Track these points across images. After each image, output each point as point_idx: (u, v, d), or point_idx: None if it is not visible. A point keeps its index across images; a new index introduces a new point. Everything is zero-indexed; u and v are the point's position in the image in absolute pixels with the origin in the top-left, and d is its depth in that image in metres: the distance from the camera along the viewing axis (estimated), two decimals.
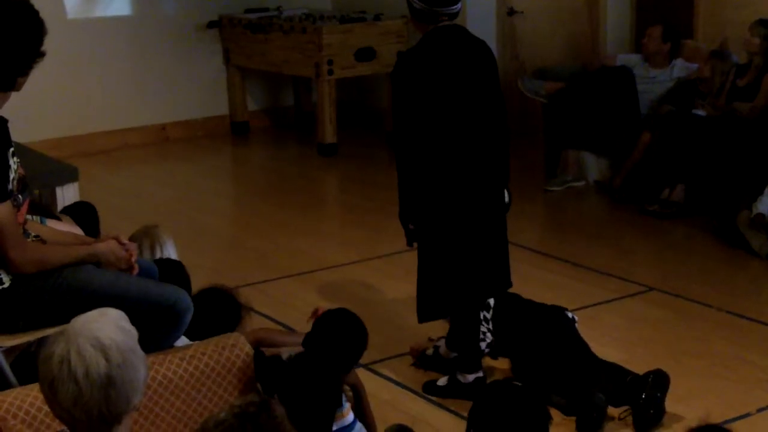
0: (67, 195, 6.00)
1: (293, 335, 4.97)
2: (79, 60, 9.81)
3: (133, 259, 3.99)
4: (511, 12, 9.91)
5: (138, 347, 2.66)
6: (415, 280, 5.08)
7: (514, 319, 5.11)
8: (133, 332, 2.68)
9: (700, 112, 7.88)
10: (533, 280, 6.25)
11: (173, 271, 4.53)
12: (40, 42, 3.76)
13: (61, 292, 3.72)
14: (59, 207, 5.66)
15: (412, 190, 4.86)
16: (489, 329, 5.04)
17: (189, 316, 3.86)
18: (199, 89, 10.60)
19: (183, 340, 4.04)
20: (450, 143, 4.79)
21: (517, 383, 3.96)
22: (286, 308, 6.06)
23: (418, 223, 4.92)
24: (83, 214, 5.22)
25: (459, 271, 4.91)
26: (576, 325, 5.15)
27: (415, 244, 5.04)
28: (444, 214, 4.86)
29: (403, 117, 4.80)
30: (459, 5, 4.87)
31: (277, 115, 11.13)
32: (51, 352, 2.61)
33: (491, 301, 5.12)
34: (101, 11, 9.98)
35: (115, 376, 2.57)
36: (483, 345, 5.02)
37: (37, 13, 3.78)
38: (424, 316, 5.06)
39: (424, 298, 5.02)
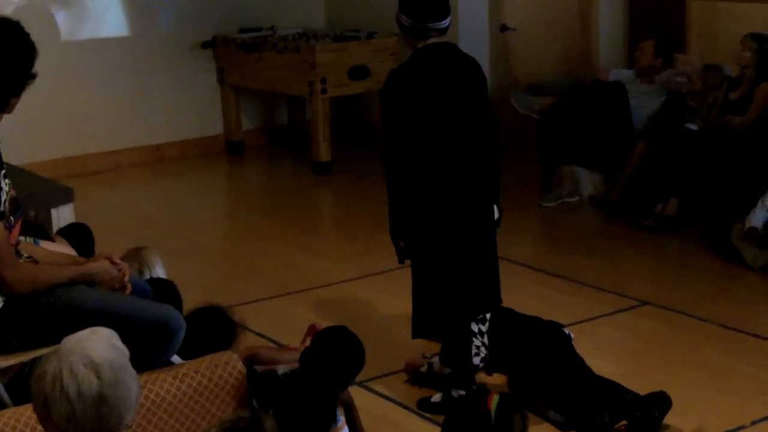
0: (62, 216, 6.00)
1: (287, 352, 4.98)
2: (73, 81, 9.84)
3: (126, 279, 4.00)
4: (504, 29, 9.94)
5: (129, 365, 2.68)
6: (410, 295, 5.10)
7: (511, 334, 5.12)
8: (125, 350, 2.70)
9: (693, 126, 7.91)
10: (528, 295, 6.26)
11: (165, 291, 4.54)
12: (32, 64, 3.79)
13: (55, 312, 3.74)
14: (54, 228, 5.67)
15: (402, 207, 4.88)
16: (484, 343, 5.04)
17: (181, 335, 3.88)
18: (193, 109, 10.62)
19: (176, 359, 4.05)
20: (439, 160, 4.81)
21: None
22: (280, 326, 6.06)
23: (409, 240, 4.94)
24: (78, 235, 5.24)
25: (450, 287, 4.93)
26: (572, 342, 5.16)
27: (407, 261, 5.06)
28: (434, 230, 4.88)
29: (393, 134, 4.82)
30: (448, 20, 4.90)
31: (272, 133, 11.15)
32: (43, 371, 2.63)
33: (487, 315, 5.13)
34: (95, 33, 9.99)
35: (107, 394, 2.59)
36: (477, 360, 5.02)
37: (28, 35, 3.81)
38: (418, 332, 5.08)
39: (419, 314, 5.04)
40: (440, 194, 4.84)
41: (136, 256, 5.06)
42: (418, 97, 4.79)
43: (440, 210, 4.85)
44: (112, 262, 4.02)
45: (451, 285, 4.93)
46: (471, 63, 4.99)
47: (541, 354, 5.04)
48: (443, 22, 4.89)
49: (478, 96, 4.95)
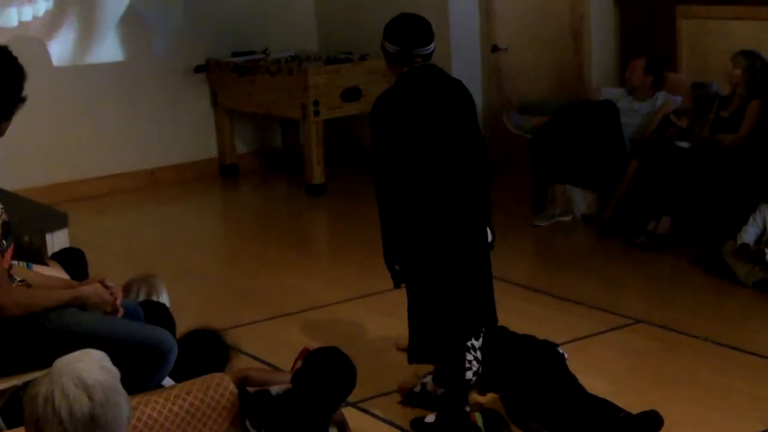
0: (57, 241, 6.01)
1: (279, 374, 4.99)
2: (67, 107, 9.87)
3: (118, 302, 4.02)
4: (495, 49, 9.99)
5: (120, 386, 2.69)
6: (403, 316, 5.11)
7: (505, 353, 5.12)
8: (116, 372, 2.72)
9: (684, 144, 7.93)
10: (521, 314, 6.26)
11: (158, 314, 4.55)
12: (21, 87, 3.82)
13: (47, 335, 3.76)
14: (49, 253, 5.68)
15: (395, 231, 4.89)
16: (477, 358, 5.04)
17: (173, 357, 3.90)
18: (187, 133, 10.65)
19: (168, 382, 4.06)
20: (430, 183, 4.83)
21: None
22: (274, 348, 6.06)
23: (403, 263, 4.95)
24: (72, 259, 5.25)
25: (445, 309, 4.94)
26: (566, 361, 5.18)
27: (403, 285, 5.07)
28: (429, 253, 4.89)
29: (383, 159, 4.84)
30: (432, 46, 4.93)
31: (266, 156, 11.17)
32: (35, 393, 2.65)
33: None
34: (88, 58, 10.02)
35: (98, 415, 2.60)
36: (470, 374, 5.01)
37: (15, 59, 3.84)
38: (415, 357, 5.08)
39: (416, 338, 5.04)
40: (433, 216, 4.85)
41: (144, 282, 5.08)
42: (406, 120, 4.81)
43: (434, 232, 4.86)
44: (105, 286, 4.04)
45: (447, 307, 4.94)
46: (457, 85, 5.02)
47: (534, 373, 5.05)
48: (428, 47, 4.92)
49: (466, 117, 4.97)
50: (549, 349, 5.20)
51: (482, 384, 5.16)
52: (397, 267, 4.99)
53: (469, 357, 5.03)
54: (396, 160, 4.81)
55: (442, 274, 4.91)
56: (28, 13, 9.64)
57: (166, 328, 4.04)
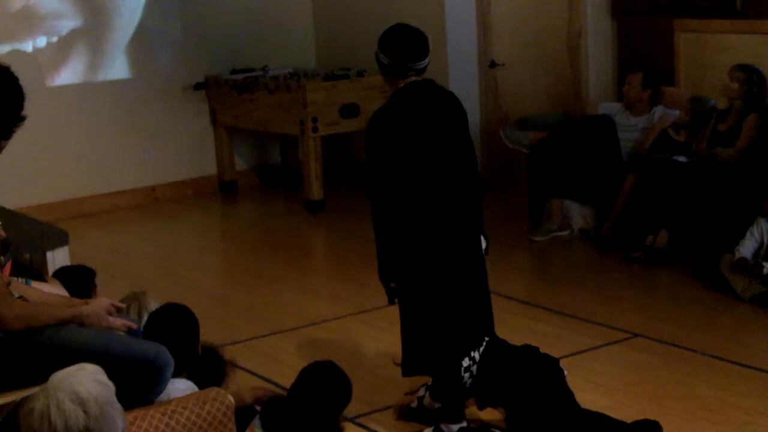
0: (57, 258, 6.04)
1: (276, 392, 5.00)
2: (68, 125, 9.91)
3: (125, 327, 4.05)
4: (493, 65, 10.02)
5: (115, 400, 2.72)
6: (399, 331, 5.12)
7: (505, 367, 5.11)
8: (111, 386, 2.74)
9: (682, 158, 7.95)
10: (518, 329, 6.28)
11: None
12: (21, 107, 3.85)
13: (44, 350, 3.77)
14: (50, 270, 5.70)
15: (391, 247, 4.89)
16: (471, 371, 5.03)
17: (169, 372, 3.92)
18: (187, 150, 10.68)
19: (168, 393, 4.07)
20: (426, 197, 4.84)
21: None
22: (273, 364, 6.08)
23: (399, 279, 4.95)
24: (75, 277, 5.27)
25: (443, 324, 4.95)
26: (565, 378, 5.18)
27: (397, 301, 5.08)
28: (425, 268, 4.90)
29: (378, 175, 4.85)
30: (426, 60, 4.93)
31: (265, 172, 11.21)
32: (31, 408, 2.67)
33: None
34: (88, 76, 10.06)
35: (93, 429, 2.63)
36: (466, 375, 5.01)
37: (16, 79, 3.87)
38: (409, 370, 5.09)
39: (409, 352, 5.05)
40: (428, 231, 4.86)
41: (134, 299, 5.09)
42: (401, 138, 4.82)
43: (430, 247, 4.87)
44: (113, 306, 4.07)
45: (445, 321, 4.94)
46: (451, 98, 5.03)
47: (534, 388, 5.04)
48: (422, 62, 4.92)
49: (460, 130, 4.99)
50: (550, 364, 5.20)
51: (481, 398, 5.15)
52: (392, 284, 4.99)
53: (466, 364, 5.01)
54: (392, 177, 4.81)
55: (440, 287, 4.91)
56: (42, 41, 9.71)
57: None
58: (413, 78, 4.90)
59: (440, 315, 4.94)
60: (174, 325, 4.52)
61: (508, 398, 5.07)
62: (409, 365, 5.07)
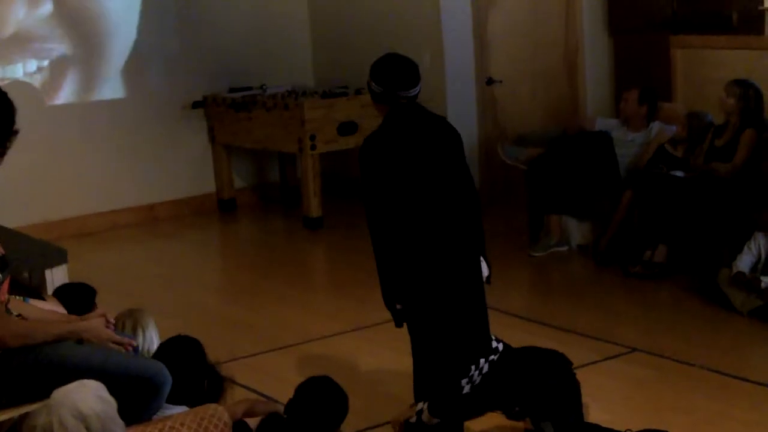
0: (56, 277, 6.05)
1: (273, 405, 5.00)
2: (66, 144, 9.93)
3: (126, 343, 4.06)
4: (490, 81, 10.05)
5: (117, 416, 2.73)
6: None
7: (513, 367, 5.09)
8: (112, 402, 2.76)
9: (679, 173, 7.97)
10: (517, 345, 6.19)
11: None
12: (12, 121, 3.85)
13: (42, 368, 3.78)
14: (49, 289, 5.71)
15: (393, 270, 4.90)
16: (473, 381, 5.02)
17: (167, 389, 3.92)
18: (185, 168, 10.70)
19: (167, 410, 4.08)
20: (425, 220, 4.85)
21: None
22: (273, 381, 6.08)
23: (405, 302, 4.95)
24: (76, 295, 5.28)
25: (446, 342, 4.95)
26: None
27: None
28: (428, 289, 4.90)
29: (376, 201, 4.86)
30: (418, 88, 4.95)
31: (264, 190, 11.23)
32: (34, 425, 2.69)
33: (500, 346, 5.14)
34: (87, 95, 10.08)
35: None
36: (464, 382, 5.01)
37: (5, 93, 3.87)
38: (421, 395, 5.09)
39: (421, 376, 5.05)
40: (431, 252, 4.86)
41: (130, 316, 5.09)
42: (396, 162, 4.83)
43: (431, 266, 4.87)
44: (107, 321, 4.07)
45: (448, 339, 4.95)
46: (442, 122, 5.07)
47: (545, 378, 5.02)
48: (413, 90, 4.94)
49: (454, 153, 5.01)
50: (554, 355, 5.21)
51: (481, 404, 5.12)
52: (398, 306, 4.99)
53: (471, 372, 5.00)
54: (390, 201, 4.82)
55: (444, 307, 4.92)
56: (32, 65, 9.73)
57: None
58: (403, 103, 4.93)
59: (444, 333, 4.94)
60: (183, 358, 4.54)
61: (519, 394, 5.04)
62: (421, 389, 5.07)
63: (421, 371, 5.05)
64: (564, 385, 4.95)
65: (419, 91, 4.97)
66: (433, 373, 5.01)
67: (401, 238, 4.85)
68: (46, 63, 9.79)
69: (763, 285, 6.88)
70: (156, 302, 7.13)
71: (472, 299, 5.02)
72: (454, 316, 4.95)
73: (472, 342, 5.04)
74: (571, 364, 5.17)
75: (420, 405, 5.27)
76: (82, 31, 9.90)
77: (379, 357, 6.41)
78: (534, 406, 4.93)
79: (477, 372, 5.05)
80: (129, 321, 5.03)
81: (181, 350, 4.60)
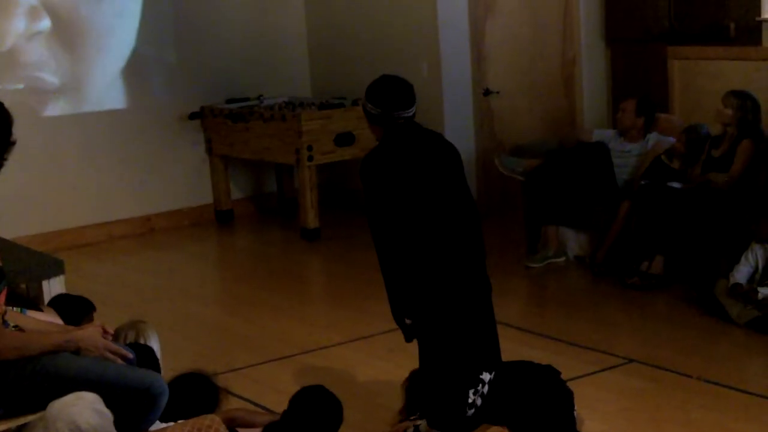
0: (53, 288, 6.03)
1: (267, 415, 5.01)
2: (63, 155, 9.93)
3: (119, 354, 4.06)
4: (487, 92, 10.07)
5: (113, 429, 2.73)
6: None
7: (507, 383, 5.10)
8: (109, 415, 2.76)
9: (676, 184, 7.97)
10: (514, 356, 6.21)
11: (143, 356, 4.57)
12: (9, 132, 3.86)
13: (39, 379, 3.77)
14: (46, 300, 5.70)
15: (401, 286, 4.89)
16: (482, 393, 5.01)
17: (164, 400, 3.92)
18: (183, 179, 10.70)
19: (158, 425, 4.08)
20: (431, 235, 4.85)
21: None
22: (269, 392, 6.07)
23: (414, 316, 4.95)
24: (74, 306, 5.28)
25: (457, 355, 4.94)
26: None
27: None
28: (438, 302, 4.90)
29: (381, 219, 4.85)
30: (413, 109, 4.97)
31: (261, 201, 11.23)
32: None
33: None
34: (84, 107, 10.09)
35: None
36: (472, 393, 4.99)
37: (2, 104, 3.88)
38: (421, 407, 5.07)
39: (428, 388, 5.04)
40: (438, 266, 4.86)
41: (132, 327, 5.10)
42: (398, 179, 4.83)
43: (439, 279, 4.87)
44: (104, 331, 4.07)
45: (458, 352, 4.94)
46: (439, 138, 5.09)
47: (538, 397, 5.03)
48: (409, 110, 4.96)
49: (453, 168, 5.02)
50: (548, 372, 5.21)
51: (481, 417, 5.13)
52: (407, 321, 4.99)
53: (475, 395, 5.00)
54: (395, 218, 4.82)
55: (454, 319, 4.91)
56: (29, 77, 9.73)
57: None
58: (399, 122, 4.94)
59: (453, 345, 4.94)
60: (195, 396, 4.55)
61: (511, 411, 5.05)
62: (424, 401, 5.06)
63: (428, 383, 5.04)
64: (553, 401, 4.98)
65: (415, 112, 4.99)
66: (442, 384, 4.99)
67: (408, 254, 4.85)
68: (43, 74, 9.78)
69: (760, 296, 6.89)
70: (153, 313, 7.12)
71: (480, 311, 5.02)
72: (464, 329, 4.94)
73: (482, 354, 5.04)
74: (560, 373, 5.19)
75: (418, 421, 5.26)
76: (79, 42, 9.91)
77: (376, 368, 6.40)
78: (526, 425, 4.96)
79: (481, 384, 5.04)
80: (131, 332, 5.04)
81: (193, 388, 4.61)
